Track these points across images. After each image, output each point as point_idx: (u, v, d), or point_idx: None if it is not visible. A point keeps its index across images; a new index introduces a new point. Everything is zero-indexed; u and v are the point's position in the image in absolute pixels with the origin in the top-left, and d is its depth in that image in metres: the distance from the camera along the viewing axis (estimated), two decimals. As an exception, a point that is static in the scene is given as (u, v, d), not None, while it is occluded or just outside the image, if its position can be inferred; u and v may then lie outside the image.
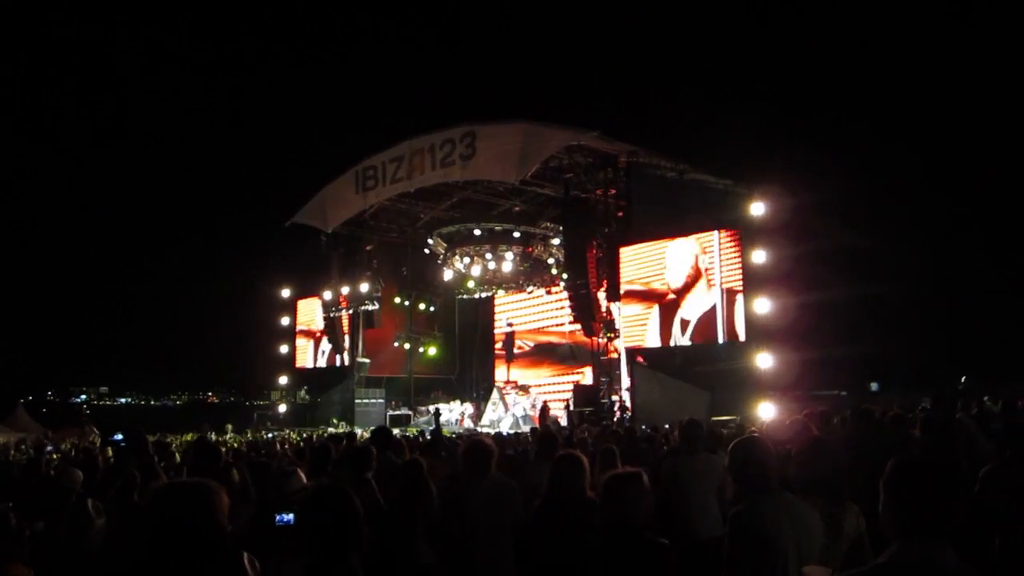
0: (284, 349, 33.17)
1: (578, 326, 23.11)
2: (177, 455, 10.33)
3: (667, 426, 14.85)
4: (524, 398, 26.90)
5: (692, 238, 20.48)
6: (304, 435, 20.26)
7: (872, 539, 3.56)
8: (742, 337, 19.54)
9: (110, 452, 9.33)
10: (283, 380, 33.70)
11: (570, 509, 4.12)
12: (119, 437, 8.50)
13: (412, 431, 19.10)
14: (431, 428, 18.56)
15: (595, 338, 22.15)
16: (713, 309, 19.86)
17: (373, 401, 29.75)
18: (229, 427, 27.81)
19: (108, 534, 2.81)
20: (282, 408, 32.28)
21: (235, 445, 14.70)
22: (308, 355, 32.34)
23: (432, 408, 27.90)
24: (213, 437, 18.95)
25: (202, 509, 2.21)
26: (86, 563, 2.67)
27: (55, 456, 12.80)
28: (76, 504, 2.85)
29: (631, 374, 21.18)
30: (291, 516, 3.14)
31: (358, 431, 22.49)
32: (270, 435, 22.05)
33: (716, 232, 20.05)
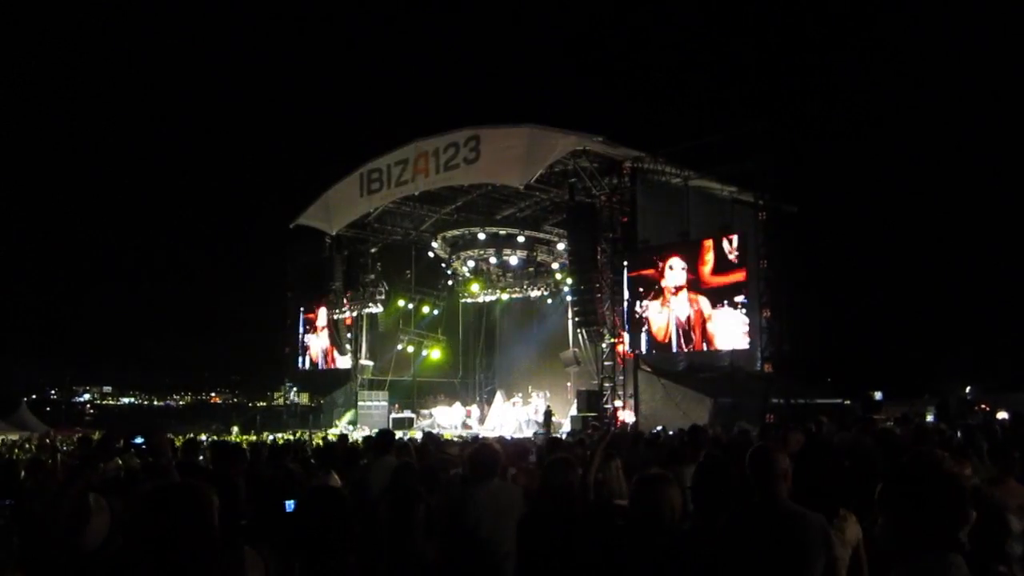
0: (287, 351, 33.17)
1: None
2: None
3: (658, 428, 14.85)
4: (528, 404, 26.85)
5: (696, 244, 20.41)
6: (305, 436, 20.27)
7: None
8: (746, 344, 19.49)
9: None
10: (286, 382, 33.74)
11: (562, 508, 4.12)
12: (139, 440, 8.48)
13: (412, 434, 19.05)
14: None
15: (599, 343, 22.16)
16: (718, 316, 19.79)
17: (376, 403, 29.72)
18: (235, 428, 27.90)
19: (109, 531, 2.80)
20: (285, 410, 32.33)
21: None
22: (311, 357, 32.29)
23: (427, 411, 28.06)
24: (211, 438, 18.94)
25: (193, 510, 2.21)
26: (83, 560, 2.66)
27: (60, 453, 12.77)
28: (77, 498, 2.84)
29: (634, 380, 21.12)
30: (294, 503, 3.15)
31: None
32: (271, 437, 22.07)
33: (721, 239, 19.97)
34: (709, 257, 19.98)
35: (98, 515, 2.80)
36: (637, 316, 21.23)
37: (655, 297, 20.90)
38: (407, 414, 28.21)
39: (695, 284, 20.17)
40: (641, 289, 21.28)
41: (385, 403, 29.78)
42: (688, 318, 20.25)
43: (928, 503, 2.12)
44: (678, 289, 20.51)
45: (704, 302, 19.99)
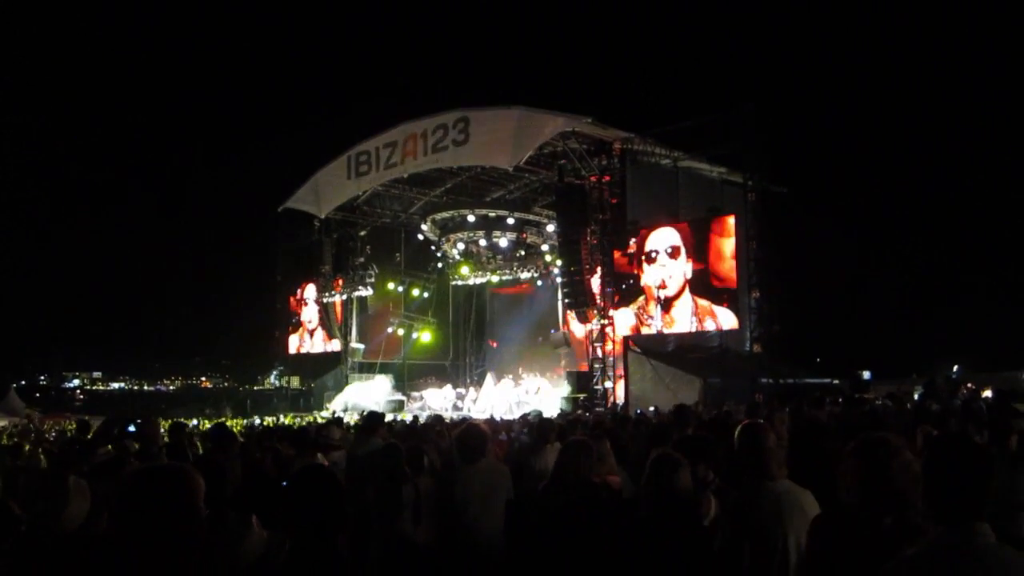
0: (277, 335, 33.12)
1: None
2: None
3: (652, 408, 14.91)
4: (518, 385, 26.92)
5: (686, 225, 20.39)
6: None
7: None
8: (735, 325, 19.54)
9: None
10: (276, 365, 33.71)
11: (576, 491, 4.12)
12: (131, 429, 8.47)
13: (403, 416, 19.06)
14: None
15: (588, 324, 22.19)
16: (707, 296, 19.80)
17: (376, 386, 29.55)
18: (228, 413, 27.95)
19: (90, 513, 2.80)
20: (275, 393, 32.33)
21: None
22: (301, 341, 32.25)
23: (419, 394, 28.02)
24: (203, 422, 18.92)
25: (177, 490, 2.20)
26: (61, 541, 2.65)
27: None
28: (54, 481, 2.83)
29: (624, 361, 21.17)
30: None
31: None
32: (258, 420, 22.07)
33: (710, 220, 19.98)
34: (698, 238, 19.92)
35: (77, 498, 2.79)
36: (626, 296, 21.19)
37: (645, 278, 20.79)
38: (398, 396, 28.20)
39: (684, 265, 20.07)
40: (631, 270, 21.16)
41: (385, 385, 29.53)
42: (677, 299, 20.16)
43: (959, 475, 2.16)
44: (667, 271, 20.37)
45: (694, 283, 19.90)
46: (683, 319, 20.19)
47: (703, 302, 19.81)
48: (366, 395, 27.49)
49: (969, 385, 17.47)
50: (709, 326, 19.84)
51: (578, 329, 23.94)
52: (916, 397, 14.79)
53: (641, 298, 20.82)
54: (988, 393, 14.50)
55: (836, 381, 21.35)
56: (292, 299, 32.25)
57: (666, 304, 20.33)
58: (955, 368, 23.57)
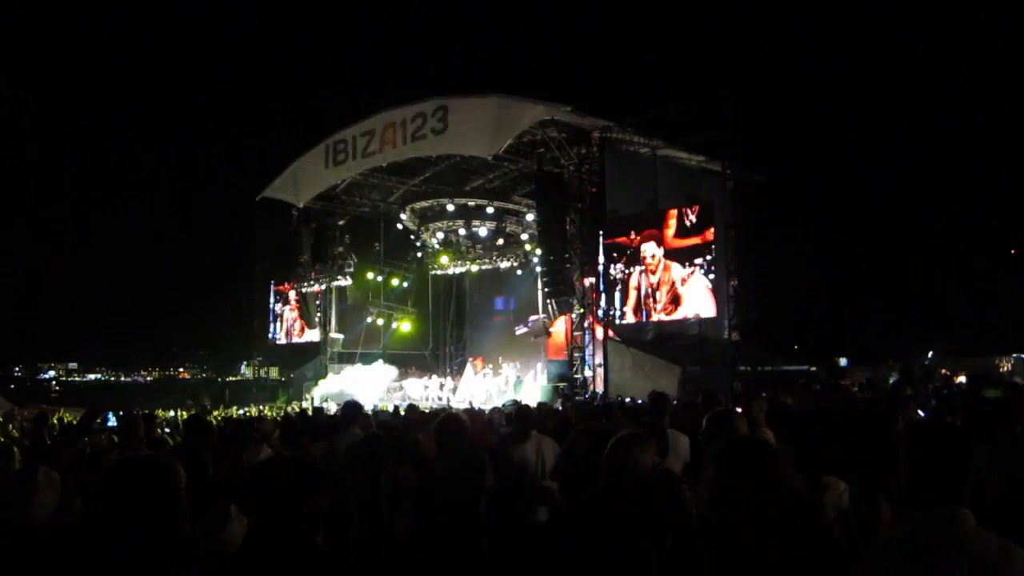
0: (256, 325, 32.91)
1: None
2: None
3: (628, 399, 14.99)
4: (498, 375, 26.93)
5: (664, 213, 20.45)
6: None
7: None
8: (713, 313, 19.64)
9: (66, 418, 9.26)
10: (255, 356, 33.52)
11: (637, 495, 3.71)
12: (110, 417, 8.38)
13: (383, 406, 19.00)
14: None
15: (568, 313, 22.23)
16: (685, 285, 19.88)
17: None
18: (207, 404, 27.76)
19: (60, 504, 2.78)
20: (254, 384, 32.17)
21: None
22: (280, 330, 32.08)
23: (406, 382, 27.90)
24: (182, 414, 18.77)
25: (157, 481, 2.19)
26: (29, 532, 2.63)
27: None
28: (23, 472, 2.80)
29: (604, 349, 21.23)
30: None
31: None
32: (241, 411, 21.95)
33: (688, 208, 20.04)
34: (677, 226, 20.04)
35: (47, 489, 2.77)
36: (612, 278, 21.20)
37: (629, 263, 20.87)
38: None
39: (663, 254, 20.22)
40: (615, 254, 21.24)
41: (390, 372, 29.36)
42: (656, 287, 20.30)
43: (939, 461, 2.17)
44: (646, 259, 20.50)
45: (672, 271, 20.05)
46: (659, 271, 20.39)
47: (666, 261, 20.08)
48: (367, 379, 27.31)
49: (943, 371, 17.72)
50: (688, 313, 19.96)
51: (558, 318, 23.98)
52: (891, 383, 14.97)
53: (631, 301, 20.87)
54: (962, 379, 14.70)
55: (814, 368, 21.56)
56: (270, 289, 32.07)
57: (653, 267, 20.47)
58: (930, 354, 23.87)
